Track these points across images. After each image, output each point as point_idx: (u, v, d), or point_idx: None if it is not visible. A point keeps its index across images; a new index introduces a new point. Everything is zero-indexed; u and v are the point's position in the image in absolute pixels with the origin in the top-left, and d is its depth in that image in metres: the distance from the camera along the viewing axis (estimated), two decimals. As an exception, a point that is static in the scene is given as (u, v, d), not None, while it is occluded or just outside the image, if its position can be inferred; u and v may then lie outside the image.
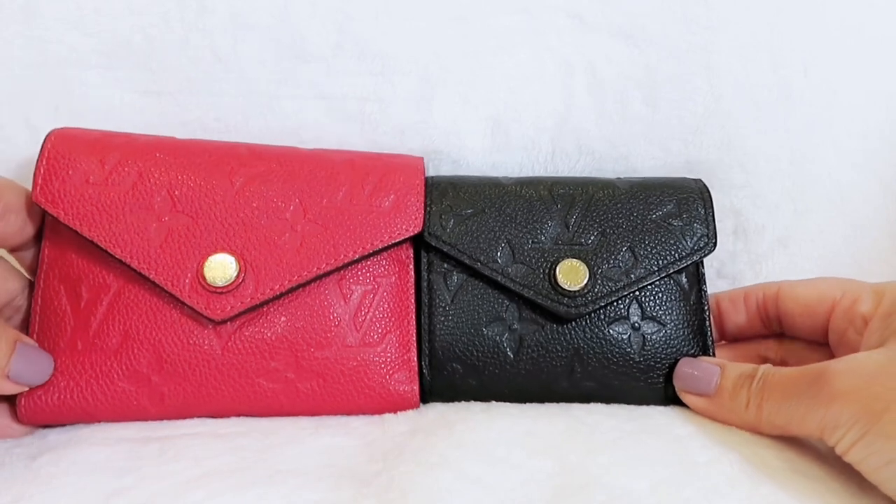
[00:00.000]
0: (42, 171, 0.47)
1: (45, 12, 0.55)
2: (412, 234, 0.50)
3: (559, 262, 0.50)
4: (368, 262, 0.50)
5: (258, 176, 0.49)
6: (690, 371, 0.48)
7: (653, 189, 0.53)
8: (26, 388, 0.45)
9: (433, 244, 0.51)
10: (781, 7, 0.58)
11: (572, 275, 0.50)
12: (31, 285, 0.49)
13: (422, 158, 0.55)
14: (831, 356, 0.48)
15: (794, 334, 0.52)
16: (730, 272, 0.61)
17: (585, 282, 0.49)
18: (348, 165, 0.51)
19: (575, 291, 0.49)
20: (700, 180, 0.55)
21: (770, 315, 0.52)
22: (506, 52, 0.58)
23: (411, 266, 0.52)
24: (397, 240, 0.50)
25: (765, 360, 0.53)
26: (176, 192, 0.48)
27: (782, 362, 0.53)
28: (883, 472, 0.38)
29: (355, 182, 0.50)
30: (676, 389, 0.49)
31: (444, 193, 0.52)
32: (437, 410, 0.49)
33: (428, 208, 0.51)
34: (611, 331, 0.50)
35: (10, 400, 0.47)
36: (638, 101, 0.59)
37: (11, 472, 0.41)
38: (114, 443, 0.44)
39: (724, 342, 0.56)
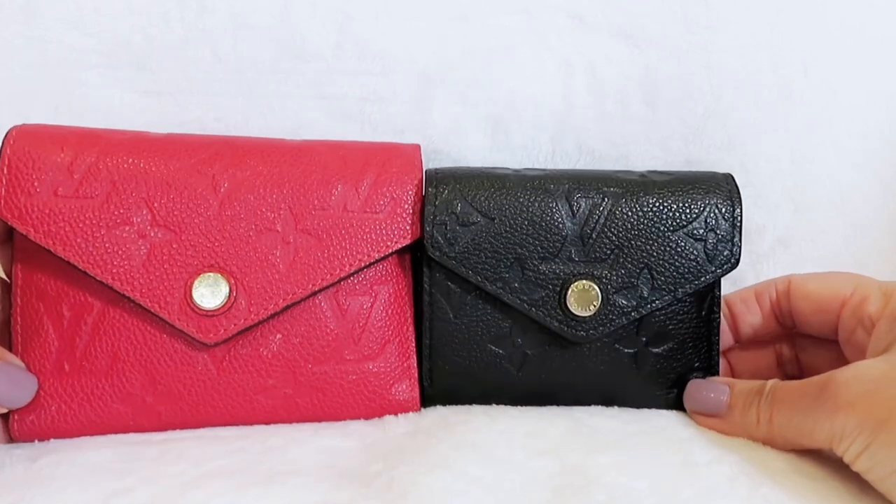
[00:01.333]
0: (4, 181, 0.43)
1: (45, 12, 0.55)
2: (410, 241, 0.47)
3: (571, 284, 0.47)
4: (365, 272, 0.48)
5: (244, 181, 0.46)
6: (700, 393, 0.48)
7: (680, 195, 0.48)
8: (5, 410, 0.43)
9: (436, 258, 0.47)
10: (781, 7, 0.58)
11: (584, 299, 0.47)
12: (7, 290, 0.46)
13: (418, 147, 0.51)
14: (843, 354, 0.47)
15: (808, 331, 0.51)
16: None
17: (597, 308, 0.47)
18: (340, 162, 0.48)
19: (585, 317, 0.47)
20: (730, 178, 0.50)
21: (784, 311, 0.51)
22: (506, 52, 0.58)
23: (409, 271, 0.50)
24: (395, 248, 0.47)
25: (779, 360, 0.53)
26: (155, 205, 0.44)
27: (796, 361, 0.53)
28: (889, 481, 0.37)
29: (349, 182, 0.47)
30: (687, 411, 0.49)
31: (450, 194, 0.48)
32: (437, 412, 0.49)
33: (431, 213, 0.47)
34: (618, 347, 0.49)
35: (5, 416, 0.45)
36: (638, 101, 0.59)
37: (12, 473, 0.41)
38: (114, 445, 0.44)
39: (737, 345, 0.54)
